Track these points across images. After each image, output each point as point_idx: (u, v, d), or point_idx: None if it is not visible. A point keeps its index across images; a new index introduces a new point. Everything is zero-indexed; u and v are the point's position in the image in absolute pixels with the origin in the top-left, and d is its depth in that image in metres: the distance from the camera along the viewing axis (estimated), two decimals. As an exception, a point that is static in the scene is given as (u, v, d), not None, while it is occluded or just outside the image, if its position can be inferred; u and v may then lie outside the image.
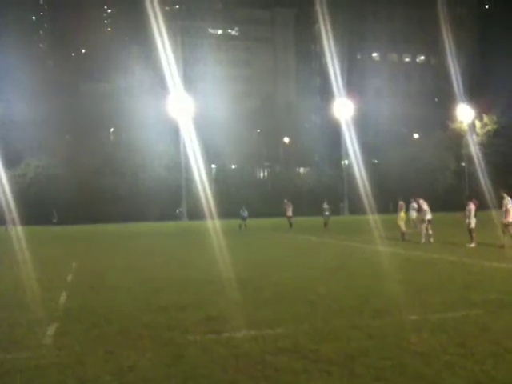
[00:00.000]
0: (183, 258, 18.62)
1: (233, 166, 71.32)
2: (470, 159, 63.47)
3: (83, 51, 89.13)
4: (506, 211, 17.78)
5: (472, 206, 19.05)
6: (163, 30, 55.53)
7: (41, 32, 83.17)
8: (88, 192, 57.18)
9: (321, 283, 11.74)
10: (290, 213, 35.30)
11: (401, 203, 23.01)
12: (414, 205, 24.38)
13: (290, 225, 34.41)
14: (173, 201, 59.46)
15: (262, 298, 10.00)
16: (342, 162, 65.63)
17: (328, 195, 43.22)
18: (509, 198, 18.10)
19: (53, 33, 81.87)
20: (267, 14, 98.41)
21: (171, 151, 62.23)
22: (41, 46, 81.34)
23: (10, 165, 53.47)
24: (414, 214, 26.25)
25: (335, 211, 47.95)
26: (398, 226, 22.59)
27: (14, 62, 67.68)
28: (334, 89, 62.83)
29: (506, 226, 17.88)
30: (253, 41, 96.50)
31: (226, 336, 7.34)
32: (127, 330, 7.92)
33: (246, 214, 35.86)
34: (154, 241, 29.02)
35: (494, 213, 19.43)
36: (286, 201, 36.04)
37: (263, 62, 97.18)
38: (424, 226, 20.69)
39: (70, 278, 13.97)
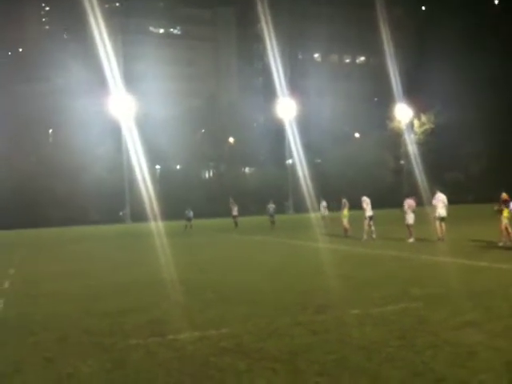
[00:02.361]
0: (125, 261, 18.27)
1: (177, 167, 70.63)
2: (408, 157, 65.51)
3: (20, 50, 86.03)
4: (433, 206, 18.66)
5: (410, 203, 19.68)
6: (102, 27, 54.28)
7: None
8: (25, 195, 55.17)
9: (264, 282, 11.80)
10: (235, 212, 35.31)
11: (344, 201, 23.49)
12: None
13: (236, 224, 34.44)
14: (115, 203, 58.24)
15: (206, 299, 9.93)
16: (287, 162, 66.27)
17: (273, 194, 43.54)
18: (439, 194, 18.89)
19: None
20: (209, 14, 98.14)
21: (113, 152, 60.90)
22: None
23: None
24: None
25: (280, 210, 48.32)
26: (341, 223, 23.21)
27: None
28: (277, 89, 63.38)
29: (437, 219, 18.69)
30: (195, 40, 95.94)
31: (169, 338, 7.23)
32: (67, 336, 7.68)
33: (191, 214, 35.56)
34: (95, 244, 28.34)
35: (428, 208, 20.22)
36: (231, 200, 36.00)
37: (206, 61, 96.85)
38: (366, 222, 21.19)
39: (6, 285, 13.43)
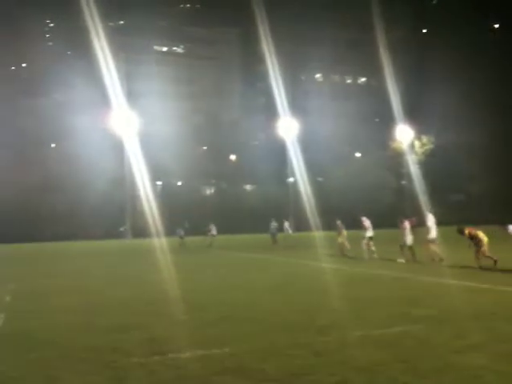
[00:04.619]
0: (125, 277, 18.21)
1: (179, 183, 70.71)
2: (409, 178, 65.60)
3: (23, 65, 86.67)
4: (428, 228, 18.66)
5: (406, 225, 19.70)
6: (105, 44, 54.75)
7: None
8: (26, 209, 55.20)
9: (265, 301, 11.76)
10: (213, 232, 35.23)
11: (338, 223, 23.60)
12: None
13: (210, 244, 34.26)
14: (117, 218, 58.25)
15: (207, 318, 9.89)
16: (288, 180, 66.36)
17: (274, 213, 43.55)
18: (430, 216, 18.93)
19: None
20: (212, 33, 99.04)
21: (115, 168, 61.04)
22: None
23: None
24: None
25: (280, 228, 48.28)
26: (341, 244, 23.25)
27: None
28: (279, 108, 63.73)
29: (431, 242, 18.69)
30: (198, 59, 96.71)
31: (170, 357, 7.20)
32: (68, 353, 7.65)
33: (182, 232, 35.68)
34: (96, 260, 28.25)
35: (424, 230, 20.29)
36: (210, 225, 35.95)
37: (208, 80, 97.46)
38: (365, 242, 21.19)
39: (7, 299, 13.38)
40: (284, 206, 63.44)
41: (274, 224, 33.77)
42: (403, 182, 69.83)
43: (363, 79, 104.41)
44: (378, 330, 8.36)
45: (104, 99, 58.37)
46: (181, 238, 34.88)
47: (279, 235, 34.09)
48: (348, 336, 8.03)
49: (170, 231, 44.32)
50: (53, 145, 69.70)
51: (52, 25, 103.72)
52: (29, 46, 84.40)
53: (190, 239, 37.46)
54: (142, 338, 8.39)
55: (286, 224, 32.35)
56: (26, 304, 12.52)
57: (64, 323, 9.91)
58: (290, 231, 31.74)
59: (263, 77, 75.07)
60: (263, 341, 7.89)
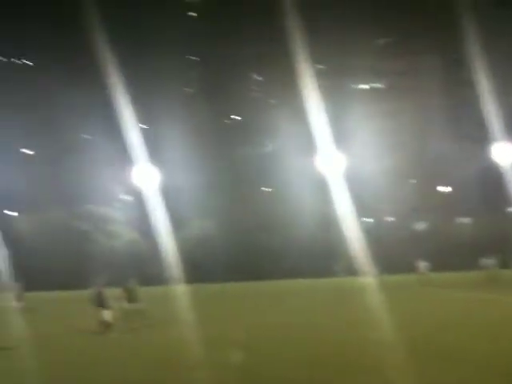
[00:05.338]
0: (349, 317, 17.97)
1: (387, 219, 69.41)
2: None
3: (237, 117, 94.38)
4: None
5: None
6: (312, 90, 57.12)
7: (197, 103, 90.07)
8: (244, 250, 59.15)
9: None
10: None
11: None
12: None
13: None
14: (327, 256, 59.12)
15: (461, 371, 9.18)
16: (508, 209, 60.75)
17: (493, 246, 40.18)
18: None
19: (208, 101, 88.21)
20: (409, 64, 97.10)
21: (322, 206, 62.41)
22: (197, 114, 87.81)
23: (175, 227, 57.16)
24: None
25: (504, 264, 44.17)
26: None
27: (173, 133, 73.38)
28: (494, 133, 59.15)
29: None
30: (398, 91, 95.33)
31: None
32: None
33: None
34: (316, 297, 28.63)
35: None
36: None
37: (410, 113, 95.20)
38: None
39: (240, 335, 14.10)
40: (504, 238, 57.96)
41: (489, 260, 31.34)
42: None
43: None
44: None
45: (309, 142, 60.60)
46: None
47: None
48: None
49: (382, 269, 43.45)
50: (264, 188, 74.18)
51: (260, 79, 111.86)
52: (238, 99, 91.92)
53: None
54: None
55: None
56: (262, 337, 13.04)
57: (316, 352, 10.02)
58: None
59: (471, 102, 70.92)
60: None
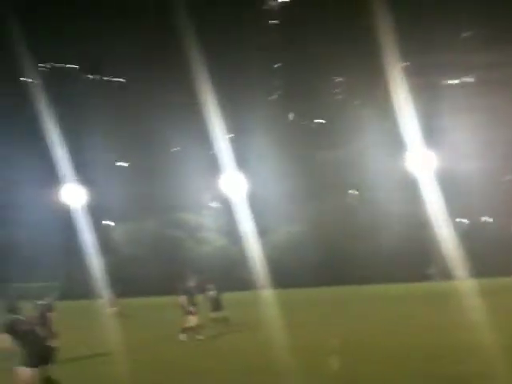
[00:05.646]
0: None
1: (484, 219, 65.93)
2: None
3: (321, 120, 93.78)
4: None
5: None
6: (399, 87, 55.59)
7: (281, 109, 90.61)
8: (333, 254, 58.47)
9: None
10: None
11: None
12: None
13: None
14: (418, 260, 57.09)
15: None
16: None
17: None
18: None
19: (292, 107, 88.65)
20: (503, 55, 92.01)
21: (411, 208, 60.39)
22: (282, 120, 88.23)
23: (262, 233, 57.66)
24: None
25: None
26: None
27: (259, 140, 74.03)
28: None
29: None
30: (490, 85, 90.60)
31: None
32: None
33: None
34: (415, 303, 27.51)
35: None
36: None
37: (504, 107, 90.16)
38: None
39: (330, 343, 13.81)
40: None
41: None
42: None
43: None
44: None
45: (397, 141, 58.83)
46: None
47: None
48: None
49: (479, 272, 41.23)
50: (352, 191, 73.02)
51: (339, 79, 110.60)
52: (321, 101, 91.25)
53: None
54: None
55: None
56: (359, 347, 12.71)
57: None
58: None
59: None
60: None
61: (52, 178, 60.20)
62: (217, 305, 20.21)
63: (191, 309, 18.24)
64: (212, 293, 20.39)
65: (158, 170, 76.33)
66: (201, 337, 18.28)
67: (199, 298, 19.31)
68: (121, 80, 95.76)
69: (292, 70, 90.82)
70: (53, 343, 12.59)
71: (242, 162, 60.75)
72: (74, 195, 56.33)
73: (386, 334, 15.05)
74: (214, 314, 20.04)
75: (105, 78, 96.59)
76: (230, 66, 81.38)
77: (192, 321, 18.21)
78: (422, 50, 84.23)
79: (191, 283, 19.14)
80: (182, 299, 18.44)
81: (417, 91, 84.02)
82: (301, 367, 10.86)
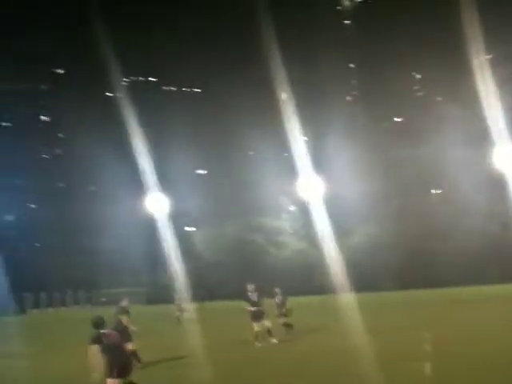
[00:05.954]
0: None
1: None
2: None
3: (399, 119, 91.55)
4: None
5: None
6: (480, 81, 53.20)
7: (358, 110, 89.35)
8: (414, 256, 56.73)
9: None
10: None
11: None
12: None
13: None
14: (507, 261, 53.94)
15: None
16: None
17: None
18: None
19: (369, 106, 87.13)
20: None
21: (498, 206, 57.23)
22: (359, 121, 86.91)
23: (341, 235, 56.95)
24: None
25: None
26: None
27: (336, 142, 73.10)
28: None
29: None
30: None
31: None
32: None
33: None
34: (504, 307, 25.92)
35: None
36: None
37: None
38: None
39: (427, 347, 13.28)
40: None
41: None
42: None
43: None
44: None
45: (481, 137, 56.16)
46: None
47: None
48: None
49: None
50: (434, 190, 70.60)
51: (419, 76, 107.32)
52: (400, 100, 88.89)
53: None
54: None
55: None
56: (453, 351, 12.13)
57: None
58: None
59: None
60: None
61: (137, 188, 62.51)
62: (284, 310, 19.94)
63: (261, 314, 18.14)
64: (278, 298, 20.14)
65: (236, 175, 77.51)
66: (274, 340, 18.23)
67: (266, 302, 19.14)
68: (197, 90, 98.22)
69: (370, 69, 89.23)
70: (130, 346, 13.09)
71: (319, 163, 60.36)
72: (157, 204, 58.17)
73: (483, 340, 14.24)
74: (281, 319, 19.87)
75: (183, 89, 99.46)
76: (307, 68, 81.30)
77: (262, 326, 18.16)
78: (508, 40, 80.00)
79: (265, 288, 19.16)
80: (253, 304, 18.31)
81: (502, 84, 79.97)
82: (392, 373, 10.59)
